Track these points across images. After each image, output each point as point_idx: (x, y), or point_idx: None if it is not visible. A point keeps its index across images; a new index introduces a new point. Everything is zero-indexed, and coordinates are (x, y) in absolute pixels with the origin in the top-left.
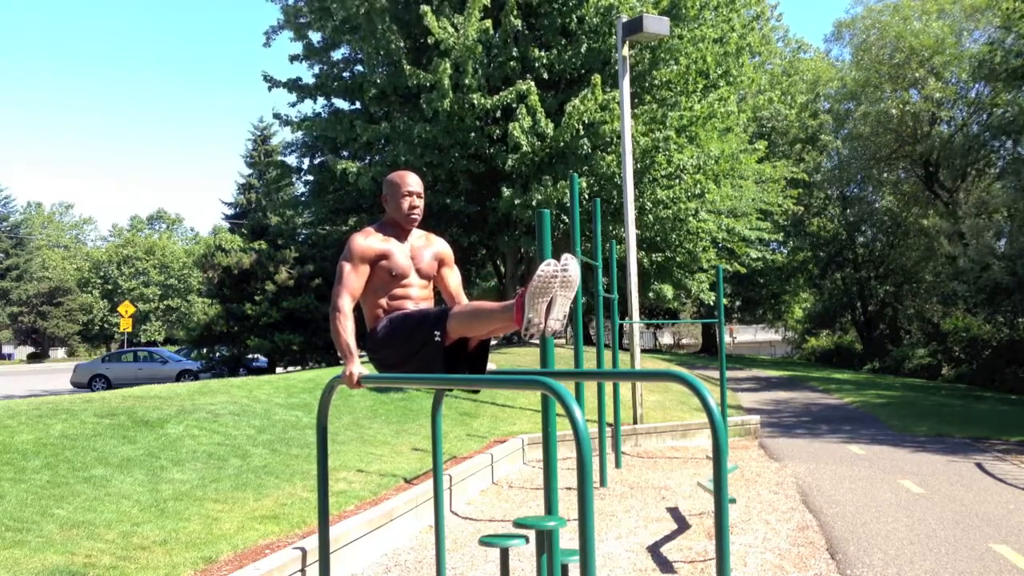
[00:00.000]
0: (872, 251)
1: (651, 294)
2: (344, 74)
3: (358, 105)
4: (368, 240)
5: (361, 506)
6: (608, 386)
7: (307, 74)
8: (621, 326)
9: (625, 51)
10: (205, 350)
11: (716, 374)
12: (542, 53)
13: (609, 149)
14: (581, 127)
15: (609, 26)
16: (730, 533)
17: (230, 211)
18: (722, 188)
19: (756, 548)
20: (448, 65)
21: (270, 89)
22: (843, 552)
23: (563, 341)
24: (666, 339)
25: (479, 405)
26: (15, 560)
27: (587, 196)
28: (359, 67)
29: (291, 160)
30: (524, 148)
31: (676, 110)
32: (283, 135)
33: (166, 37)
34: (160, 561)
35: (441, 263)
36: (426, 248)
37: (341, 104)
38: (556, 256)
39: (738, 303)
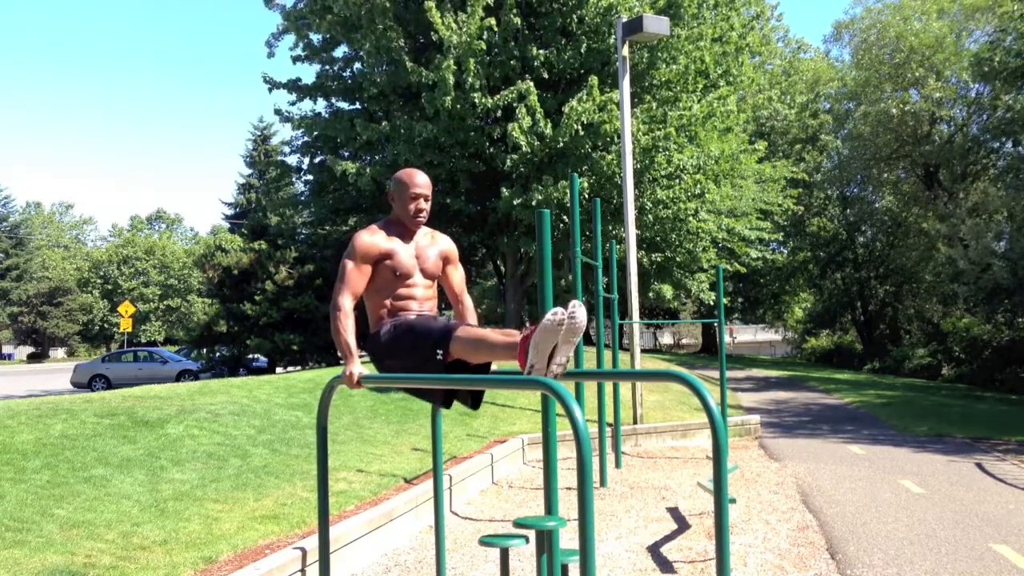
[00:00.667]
0: (872, 251)
1: (651, 294)
2: (344, 73)
3: (358, 105)
4: (372, 238)
5: (361, 506)
6: (608, 386)
7: (308, 74)
8: (621, 326)
9: (625, 51)
10: (205, 350)
11: (716, 374)
12: (541, 52)
13: (609, 149)
14: (580, 127)
15: (609, 26)
16: (730, 533)
17: (230, 211)
18: (722, 188)
19: (756, 548)
20: (451, 62)
21: (270, 91)
22: (843, 552)
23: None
24: (666, 339)
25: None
26: (15, 560)
27: (587, 196)
28: (359, 65)
29: (291, 160)
30: (524, 148)
31: (676, 109)
32: (283, 135)
33: (166, 37)
34: (160, 561)
35: (446, 261)
36: (431, 247)
37: (341, 104)
38: (555, 254)
39: (740, 300)
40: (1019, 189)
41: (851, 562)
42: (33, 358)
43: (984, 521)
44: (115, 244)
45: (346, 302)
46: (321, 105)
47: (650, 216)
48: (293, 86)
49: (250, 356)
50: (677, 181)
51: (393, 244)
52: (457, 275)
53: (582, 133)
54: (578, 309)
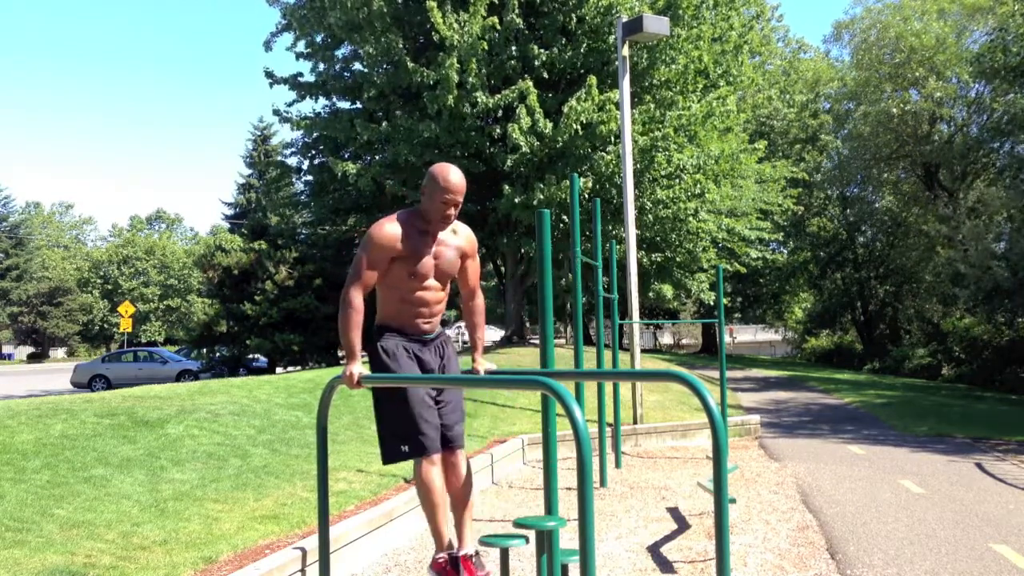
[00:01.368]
0: (872, 251)
1: (651, 294)
2: (345, 73)
3: (358, 105)
4: (391, 234)
5: (361, 506)
6: (608, 386)
7: (308, 71)
8: (621, 326)
9: (625, 51)
10: (205, 350)
11: (716, 374)
12: (542, 51)
13: (607, 149)
14: (579, 127)
15: (609, 26)
16: (730, 533)
17: (230, 211)
18: (722, 188)
19: (756, 548)
20: (455, 60)
21: (272, 85)
22: (843, 552)
23: (563, 341)
24: (666, 339)
25: (479, 405)
26: (15, 560)
27: (587, 196)
28: (358, 65)
29: (291, 160)
30: (523, 148)
31: (675, 109)
32: (283, 135)
33: (166, 37)
34: (160, 561)
35: (464, 256)
36: (452, 245)
37: (341, 104)
38: (555, 254)
39: (739, 300)
40: (1017, 189)
41: (851, 562)
42: (33, 358)
43: (984, 521)
44: (115, 244)
45: (356, 297)
46: (321, 104)
47: (650, 216)
48: (294, 82)
49: (250, 356)
50: (677, 181)
51: (412, 243)
52: (472, 269)
53: (581, 133)
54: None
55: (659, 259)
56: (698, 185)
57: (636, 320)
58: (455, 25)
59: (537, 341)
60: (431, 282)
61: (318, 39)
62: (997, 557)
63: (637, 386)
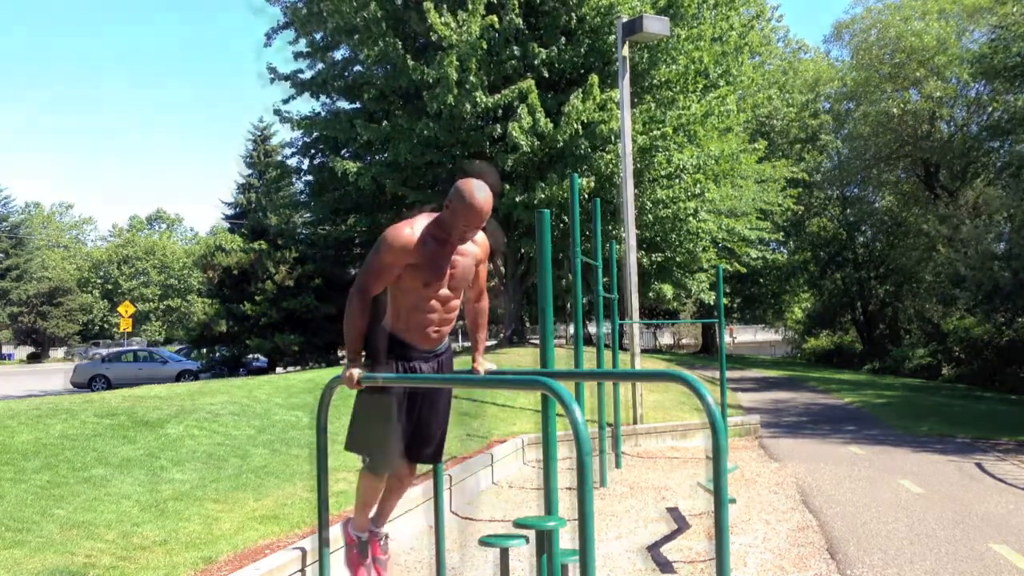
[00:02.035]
0: (872, 251)
1: (651, 294)
2: (344, 73)
3: (358, 104)
4: (408, 238)
5: None
6: (608, 386)
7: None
8: (621, 326)
9: (625, 51)
10: (205, 350)
11: (716, 374)
12: (541, 50)
13: (607, 149)
14: (580, 127)
15: (609, 25)
16: (730, 533)
17: (230, 211)
18: (722, 188)
19: (756, 548)
20: (454, 58)
21: (272, 81)
22: (843, 552)
23: (563, 341)
24: (666, 339)
25: (479, 405)
26: (15, 560)
27: (587, 196)
28: (358, 67)
29: (291, 161)
30: (523, 148)
31: (675, 109)
32: (283, 135)
33: (165, 37)
34: (160, 561)
35: (478, 263)
36: (469, 254)
37: (341, 103)
38: (555, 254)
39: (738, 301)
40: (1017, 188)
41: (851, 562)
42: (33, 358)
43: (984, 521)
44: (115, 244)
45: (364, 299)
46: (321, 103)
47: (650, 216)
48: (294, 79)
49: (250, 356)
50: (677, 181)
51: (428, 251)
52: (483, 272)
53: (581, 133)
54: None
55: (659, 259)
56: (698, 185)
57: (636, 320)
58: (452, 25)
59: (537, 341)
60: (445, 292)
61: (318, 37)
62: (997, 557)
63: (637, 386)
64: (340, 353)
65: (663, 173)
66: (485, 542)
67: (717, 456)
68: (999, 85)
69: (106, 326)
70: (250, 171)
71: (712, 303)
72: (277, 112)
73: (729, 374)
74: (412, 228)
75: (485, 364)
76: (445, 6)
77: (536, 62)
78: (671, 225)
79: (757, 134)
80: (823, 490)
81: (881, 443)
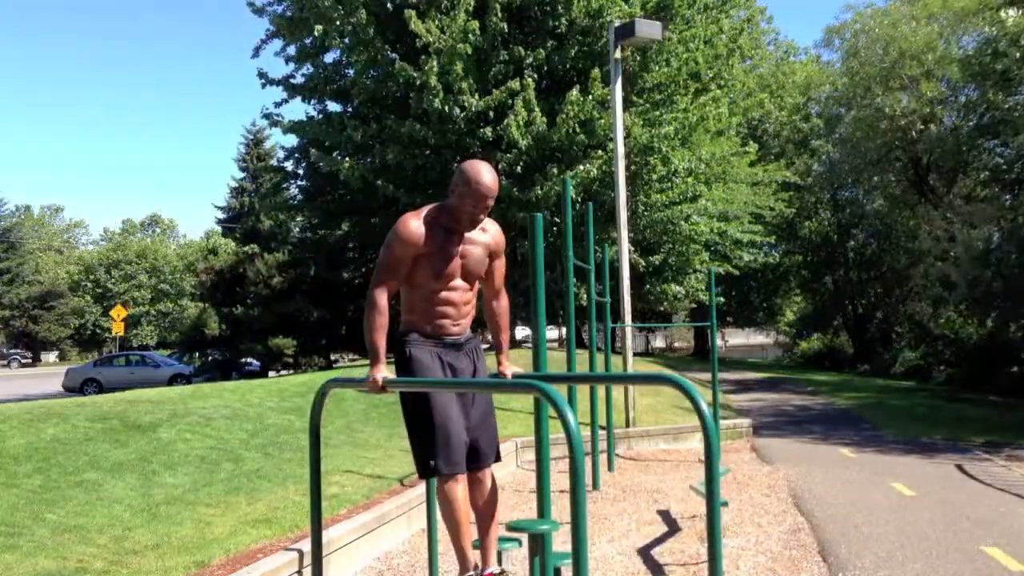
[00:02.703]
0: (863, 254)
1: (651, 296)
2: (336, 76)
3: (349, 108)
4: (416, 229)
5: (354, 510)
6: (600, 389)
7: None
8: (613, 329)
9: (617, 54)
10: (197, 353)
11: (708, 377)
12: (528, 53)
13: (606, 147)
14: (577, 125)
15: (600, 28)
16: (722, 536)
17: (223, 215)
18: (714, 191)
19: (748, 551)
20: (434, 64)
21: (264, 86)
22: (835, 555)
23: (556, 344)
24: (658, 342)
25: None
26: (6, 565)
27: (579, 200)
28: (350, 71)
29: (287, 164)
30: (521, 144)
31: (671, 111)
32: (276, 138)
33: (165, 38)
34: (152, 565)
35: (492, 255)
36: (480, 243)
37: (333, 106)
38: (549, 257)
39: (732, 303)
40: (1004, 190)
41: (843, 564)
42: (24, 362)
43: (975, 523)
44: (105, 248)
45: (381, 298)
46: (313, 107)
47: (643, 219)
48: (287, 84)
49: (243, 360)
50: (670, 184)
51: (437, 240)
52: (499, 267)
53: (578, 130)
54: None
55: (656, 261)
56: (690, 190)
57: (628, 324)
58: (435, 30)
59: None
60: (458, 282)
61: (307, 42)
62: (988, 559)
63: (629, 389)
64: (333, 356)
65: (656, 176)
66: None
67: (709, 459)
68: (990, 87)
69: (98, 330)
70: (243, 175)
71: (705, 304)
72: (267, 116)
73: (721, 377)
74: (419, 218)
75: (511, 368)
76: (433, 10)
77: (524, 65)
78: (662, 228)
79: (749, 137)
80: (815, 492)
81: (872, 445)
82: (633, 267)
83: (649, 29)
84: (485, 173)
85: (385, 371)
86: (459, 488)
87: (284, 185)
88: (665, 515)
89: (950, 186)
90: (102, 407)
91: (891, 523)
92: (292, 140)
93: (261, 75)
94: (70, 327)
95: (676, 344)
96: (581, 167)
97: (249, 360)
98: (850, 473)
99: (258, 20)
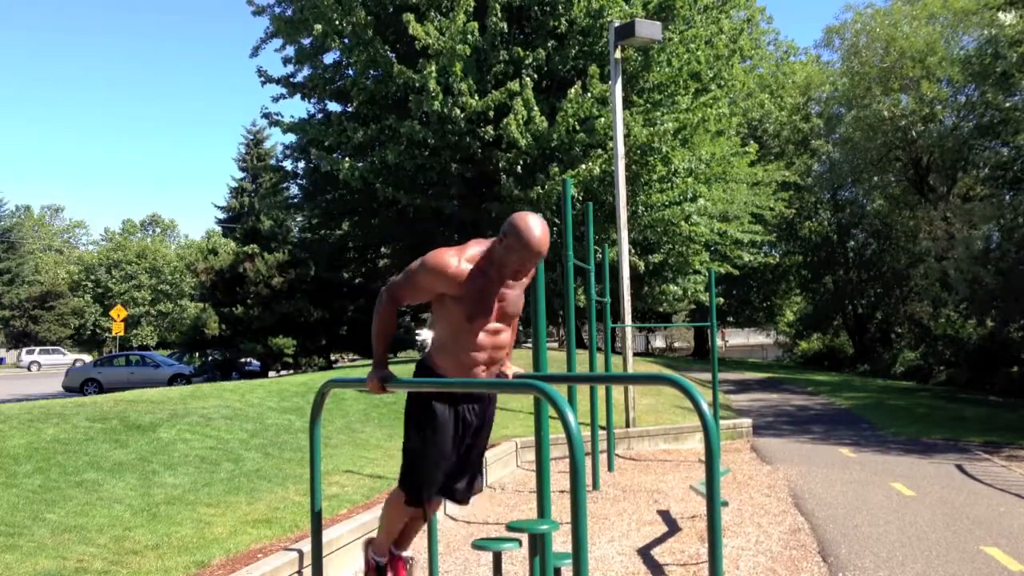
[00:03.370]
0: (863, 254)
1: (650, 298)
2: (335, 77)
3: (349, 108)
4: (454, 270)
5: (354, 510)
6: (600, 389)
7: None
8: (613, 329)
9: (617, 54)
10: (197, 353)
11: (708, 377)
12: (528, 53)
13: (606, 147)
14: (576, 123)
15: (600, 28)
16: (722, 536)
17: (223, 215)
18: (713, 191)
19: (748, 551)
20: (433, 68)
21: (263, 84)
22: (835, 555)
23: (556, 344)
24: (659, 343)
25: None
26: (6, 565)
27: (579, 201)
28: (349, 71)
29: (284, 163)
30: (521, 143)
31: (672, 111)
32: (276, 137)
33: (165, 38)
34: (152, 566)
35: (526, 290)
36: (517, 285)
37: (333, 106)
38: (548, 259)
39: (730, 302)
40: (1003, 187)
41: (843, 565)
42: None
43: (975, 523)
44: (105, 248)
45: (391, 309)
46: (313, 106)
47: (644, 219)
48: (287, 83)
49: (243, 360)
50: (670, 184)
51: (475, 284)
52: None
53: (578, 129)
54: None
55: (655, 261)
56: (690, 189)
57: (628, 324)
58: (434, 32)
59: (530, 344)
60: (494, 324)
61: (306, 42)
62: (988, 559)
63: (630, 389)
64: (333, 356)
65: (655, 177)
66: (478, 545)
67: (710, 459)
68: (989, 88)
69: (98, 330)
70: (243, 175)
71: (706, 304)
72: (266, 115)
73: (721, 377)
74: (459, 258)
75: (512, 368)
76: (433, 12)
77: (524, 65)
78: (662, 228)
79: (749, 137)
80: (815, 493)
81: (872, 445)
82: (633, 268)
83: (649, 29)
84: (536, 228)
85: (384, 371)
86: (411, 512)
87: (284, 185)
88: (665, 515)
89: (950, 186)
90: (102, 407)
91: (891, 523)
92: (292, 138)
93: (261, 73)
94: (70, 327)
95: (676, 344)
96: (583, 166)
97: (249, 360)
98: (850, 473)
99: (258, 20)
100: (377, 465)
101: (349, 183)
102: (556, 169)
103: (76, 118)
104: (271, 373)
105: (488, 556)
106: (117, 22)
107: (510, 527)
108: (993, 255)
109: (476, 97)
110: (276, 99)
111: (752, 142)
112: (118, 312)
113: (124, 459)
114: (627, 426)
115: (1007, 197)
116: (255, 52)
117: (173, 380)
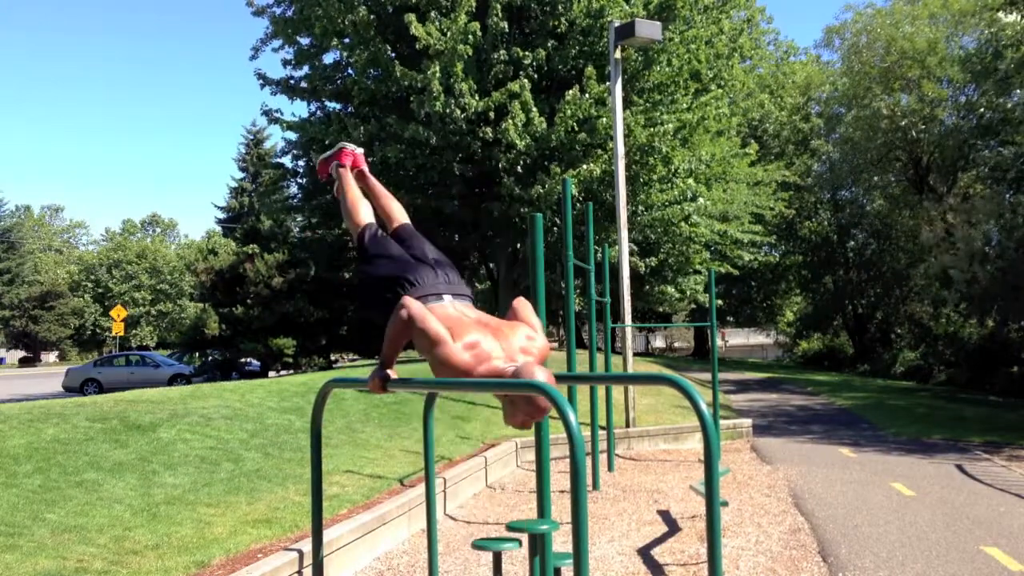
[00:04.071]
0: (863, 254)
1: (651, 298)
2: (335, 77)
3: (349, 108)
4: (463, 366)
5: (354, 510)
6: (600, 389)
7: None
8: (613, 329)
9: (617, 54)
10: (197, 353)
11: (708, 377)
12: (528, 53)
13: (606, 147)
14: (575, 124)
15: (600, 28)
16: (722, 536)
17: (223, 215)
18: (713, 191)
19: (748, 551)
20: (436, 68)
21: (262, 87)
22: (835, 555)
23: (556, 344)
24: (659, 343)
25: (472, 408)
26: (6, 565)
27: (580, 201)
28: (350, 71)
29: (286, 161)
30: (519, 146)
31: (671, 111)
32: (276, 137)
33: (166, 38)
34: (152, 566)
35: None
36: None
37: (332, 105)
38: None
39: (731, 303)
40: (1000, 184)
41: (843, 565)
42: (25, 362)
43: (975, 523)
44: (105, 248)
45: (407, 330)
46: (312, 107)
47: (644, 219)
48: (286, 84)
49: (243, 360)
50: (670, 184)
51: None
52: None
53: (578, 129)
54: None
55: (654, 262)
56: (690, 189)
57: (628, 324)
58: (435, 33)
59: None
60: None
61: (305, 43)
62: (988, 559)
63: (630, 389)
64: (333, 356)
65: (655, 177)
66: (478, 545)
67: (709, 459)
68: (990, 88)
69: (98, 330)
70: (243, 175)
71: (705, 304)
72: (266, 113)
73: (721, 377)
74: (473, 357)
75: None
76: (433, 13)
77: (523, 66)
78: (662, 228)
79: (749, 137)
80: (815, 493)
81: (872, 445)
82: (633, 268)
83: (649, 30)
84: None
85: (385, 371)
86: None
87: (283, 183)
88: (665, 515)
89: (950, 186)
90: (102, 407)
91: (891, 523)
92: (292, 136)
93: (260, 76)
94: (70, 327)
95: (676, 344)
96: (584, 166)
97: (249, 360)
98: (850, 473)
99: (258, 21)
100: (377, 465)
101: None
102: (557, 168)
103: (76, 118)
104: (271, 373)
105: (488, 556)
106: (117, 22)
107: (510, 527)
108: (993, 253)
109: (476, 97)
110: (275, 94)
111: (752, 142)
112: (118, 312)
113: (124, 459)
114: (627, 426)
115: (1007, 197)
116: (255, 54)
117: (173, 380)
